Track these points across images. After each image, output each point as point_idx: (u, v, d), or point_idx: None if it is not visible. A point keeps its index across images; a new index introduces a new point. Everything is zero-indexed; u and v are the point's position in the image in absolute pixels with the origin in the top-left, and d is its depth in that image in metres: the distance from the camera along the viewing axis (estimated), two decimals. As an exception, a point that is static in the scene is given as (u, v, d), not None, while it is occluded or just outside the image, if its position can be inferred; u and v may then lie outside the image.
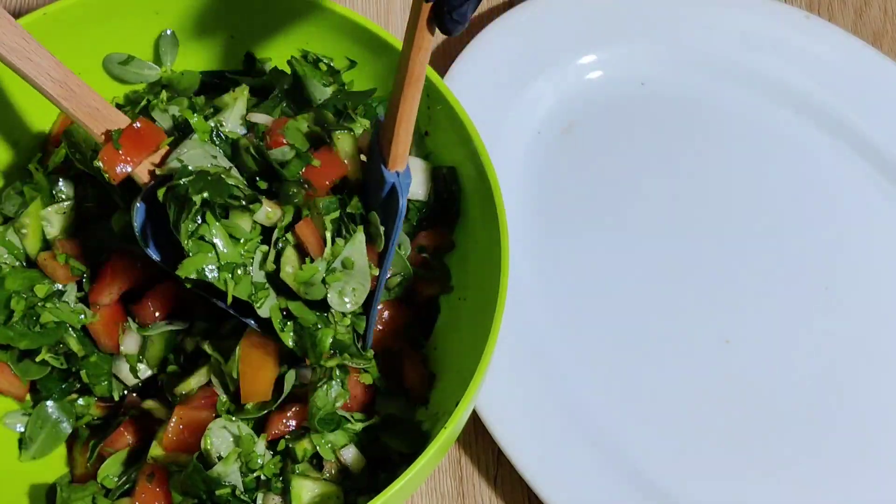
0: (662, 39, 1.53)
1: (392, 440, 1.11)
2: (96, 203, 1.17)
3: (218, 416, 1.09)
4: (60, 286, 1.14)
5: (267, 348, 1.08)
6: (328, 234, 1.06)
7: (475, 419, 1.26)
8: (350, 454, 1.10)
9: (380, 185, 1.05)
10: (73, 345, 1.15)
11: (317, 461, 1.10)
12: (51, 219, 1.15)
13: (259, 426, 1.10)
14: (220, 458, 1.06)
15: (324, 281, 1.05)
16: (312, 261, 1.05)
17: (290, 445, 1.08)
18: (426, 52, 0.96)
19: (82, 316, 1.14)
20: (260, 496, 1.06)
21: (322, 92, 1.20)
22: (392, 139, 1.01)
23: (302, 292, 1.05)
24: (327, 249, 1.06)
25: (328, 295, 1.06)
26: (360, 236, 1.07)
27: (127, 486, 1.11)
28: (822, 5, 1.64)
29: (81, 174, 1.17)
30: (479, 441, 1.30)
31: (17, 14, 1.48)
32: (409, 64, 0.96)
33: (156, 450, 1.09)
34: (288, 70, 1.22)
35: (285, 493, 1.06)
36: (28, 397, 1.18)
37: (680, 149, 1.47)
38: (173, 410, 1.09)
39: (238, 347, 1.09)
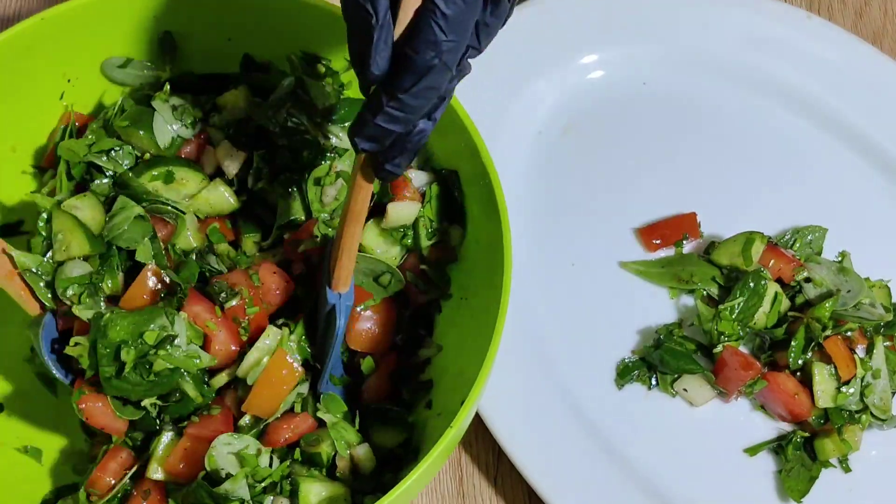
0: (664, 39, 1.52)
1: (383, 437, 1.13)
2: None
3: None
4: (170, 330, 1.06)
5: (292, 369, 1.09)
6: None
7: (475, 419, 1.25)
8: (362, 451, 1.09)
9: (323, 302, 1.08)
10: (190, 391, 1.08)
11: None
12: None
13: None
14: (227, 475, 1.04)
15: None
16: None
17: (311, 451, 1.08)
18: (367, 193, 0.98)
19: (197, 360, 1.07)
20: (269, 500, 1.05)
21: (325, 95, 1.19)
22: (336, 263, 1.04)
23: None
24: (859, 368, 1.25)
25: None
26: (880, 346, 1.26)
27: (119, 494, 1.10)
28: (821, 5, 1.64)
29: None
30: (479, 441, 1.30)
31: (15, 19, 1.49)
32: (349, 201, 0.99)
33: (156, 473, 1.07)
34: (284, 67, 1.22)
35: (293, 495, 1.05)
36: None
37: (682, 148, 1.46)
38: (182, 435, 1.08)
39: (266, 358, 1.08)
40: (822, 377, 1.25)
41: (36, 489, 1.15)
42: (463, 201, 1.17)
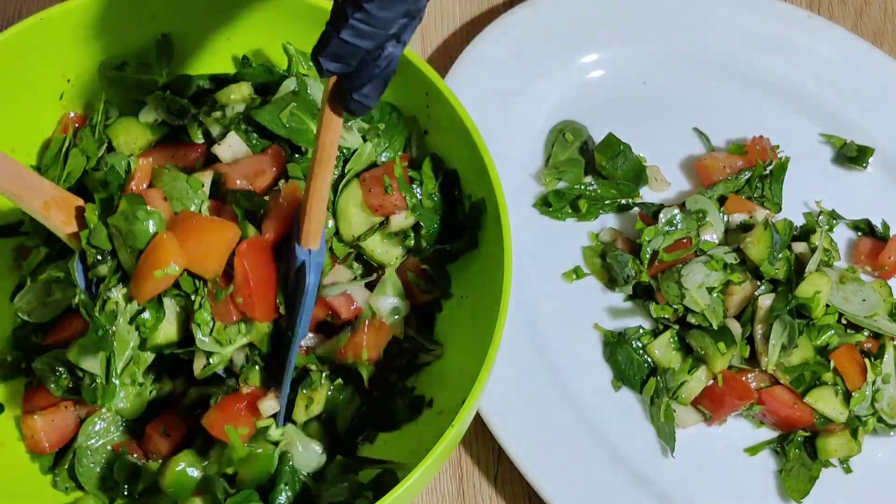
0: (664, 38, 1.52)
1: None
2: None
3: None
4: None
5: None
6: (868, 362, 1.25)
7: (475, 418, 1.25)
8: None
9: (293, 261, 1.03)
10: None
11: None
12: None
13: None
14: None
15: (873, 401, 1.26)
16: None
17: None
18: (335, 134, 0.93)
19: None
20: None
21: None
22: (305, 216, 0.99)
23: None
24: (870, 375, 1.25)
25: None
26: (891, 350, 1.26)
27: None
28: (822, 5, 1.64)
29: None
30: (479, 440, 1.29)
31: (15, 19, 1.49)
32: (317, 144, 0.94)
33: None
34: (283, 66, 1.22)
35: None
36: None
37: (682, 148, 1.46)
38: None
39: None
40: (826, 402, 1.25)
41: (37, 487, 1.15)
42: (463, 201, 1.17)
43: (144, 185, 1.08)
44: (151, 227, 1.03)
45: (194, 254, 1.03)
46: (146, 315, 1.05)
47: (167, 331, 1.07)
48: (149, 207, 1.03)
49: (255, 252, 1.05)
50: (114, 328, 1.05)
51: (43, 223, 1.05)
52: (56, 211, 1.05)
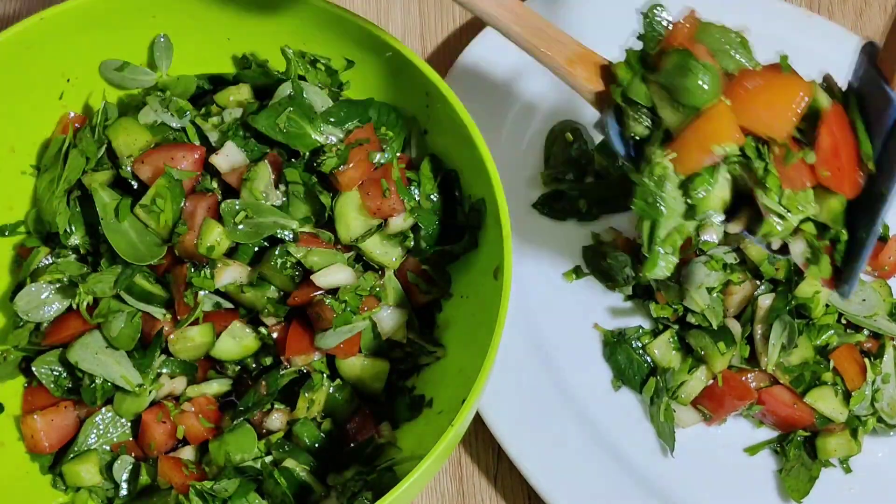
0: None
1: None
2: None
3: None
4: None
5: None
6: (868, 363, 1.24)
7: (475, 418, 1.25)
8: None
9: (882, 111, 0.96)
10: None
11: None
12: None
13: None
14: None
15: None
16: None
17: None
18: None
19: None
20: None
21: (322, 99, 1.19)
22: None
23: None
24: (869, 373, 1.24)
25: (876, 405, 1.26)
26: (890, 349, 1.26)
27: None
28: (822, 5, 1.64)
29: None
30: (479, 441, 1.30)
31: (14, 18, 1.48)
32: None
33: None
34: (283, 67, 1.22)
35: None
36: None
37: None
38: None
39: None
40: (826, 402, 1.25)
41: (37, 487, 1.16)
42: (463, 201, 1.17)
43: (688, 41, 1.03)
44: (706, 84, 0.98)
45: (763, 115, 0.97)
46: (699, 181, 1.00)
47: (718, 196, 1.01)
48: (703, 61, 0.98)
49: (841, 119, 0.98)
50: (662, 194, 1.00)
51: (564, 79, 1.04)
52: (581, 68, 1.03)
